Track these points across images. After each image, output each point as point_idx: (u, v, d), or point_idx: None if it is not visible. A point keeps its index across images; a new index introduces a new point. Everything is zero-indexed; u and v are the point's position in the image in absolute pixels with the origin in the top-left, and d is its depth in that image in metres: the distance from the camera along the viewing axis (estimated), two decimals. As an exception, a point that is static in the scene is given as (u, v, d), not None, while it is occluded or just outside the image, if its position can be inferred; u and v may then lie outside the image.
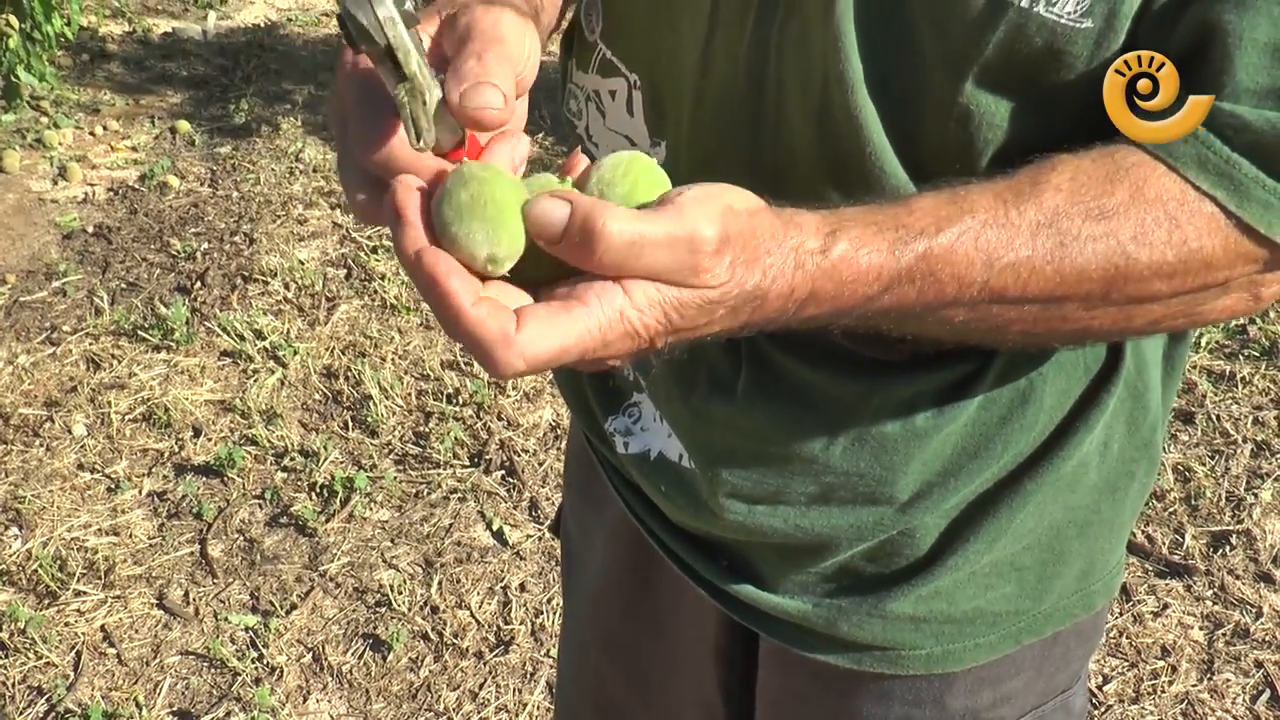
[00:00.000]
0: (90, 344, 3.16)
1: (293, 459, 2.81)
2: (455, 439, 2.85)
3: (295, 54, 4.79)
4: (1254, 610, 2.47)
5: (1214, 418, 2.94)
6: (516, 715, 2.28)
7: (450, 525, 2.66)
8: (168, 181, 3.86)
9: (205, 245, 3.57)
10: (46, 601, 2.46)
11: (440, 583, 2.52)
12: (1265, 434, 2.89)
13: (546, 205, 0.66)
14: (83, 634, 2.40)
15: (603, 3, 0.99)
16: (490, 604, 2.49)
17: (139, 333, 3.19)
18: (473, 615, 2.46)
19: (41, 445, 2.84)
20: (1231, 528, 2.64)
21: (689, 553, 1.07)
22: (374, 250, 3.55)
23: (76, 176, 3.87)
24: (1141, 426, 1.00)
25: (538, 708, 2.29)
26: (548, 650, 2.39)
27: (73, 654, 2.37)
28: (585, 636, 1.34)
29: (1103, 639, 2.40)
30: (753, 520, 0.99)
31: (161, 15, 5.06)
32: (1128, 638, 2.42)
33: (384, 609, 2.47)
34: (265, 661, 2.35)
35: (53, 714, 2.25)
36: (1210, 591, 2.51)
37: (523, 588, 2.52)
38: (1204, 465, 2.80)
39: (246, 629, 2.42)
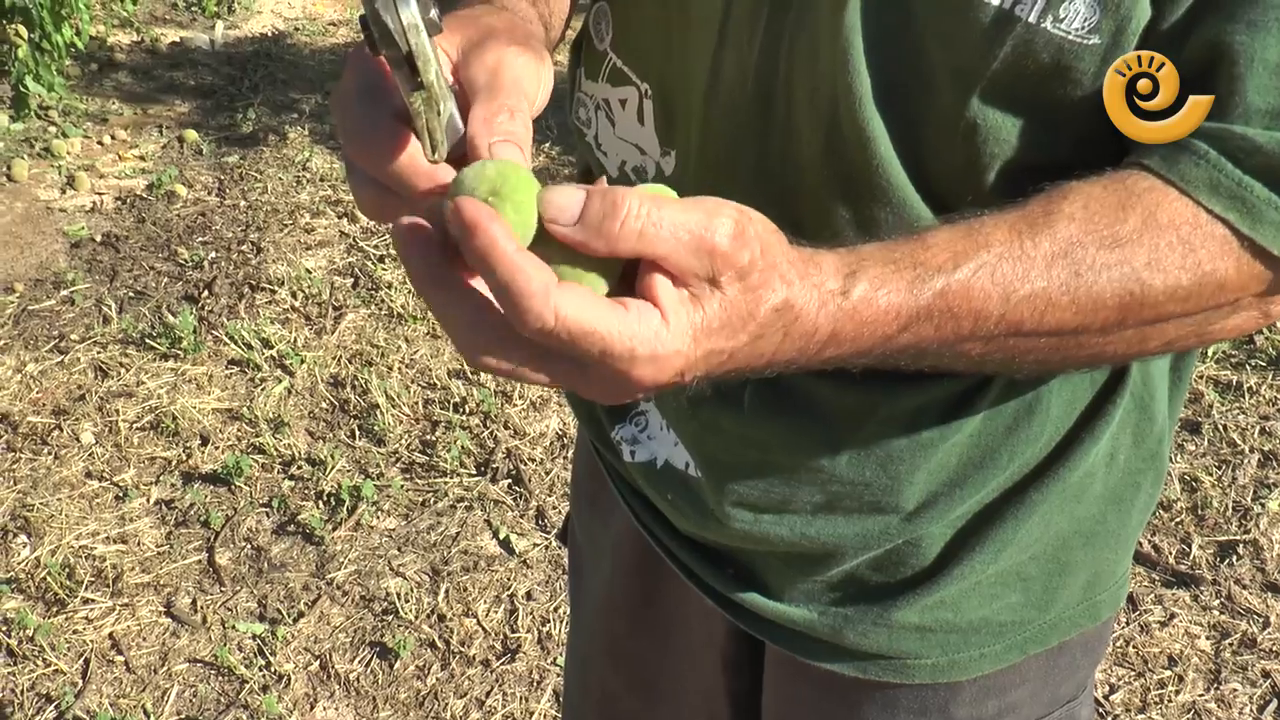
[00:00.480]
0: (98, 352, 3.17)
1: (300, 467, 2.82)
2: (462, 448, 2.86)
3: (302, 63, 4.80)
4: (1261, 620, 2.47)
5: (1221, 427, 2.94)
6: (523, 724, 2.29)
7: (457, 534, 2.67)
8: (175, 190, 3.88)
9: (213, 254, 3.58)
10: (55, 609, 2.47)
11: (447, 591, 2.52)
12: (1272, 444, 2.89)
13: (563, 189, 0.65)
14: (91, 642, 2.40)
15: (613, 12, 1.00)
16: (497, 612, 2.49)
17: (147, 341, 3.20)
18: (479, 623, 2.46)
19: (50, 453, 2.85)
20: (1238, 537, 2.64)
21: (695, 561, 1.08)
22: (381, 259, 3.56)
23: (84, 185, 3.89)
24: (1148, 438, 1.00)
25: (544, 716, 2.29)
26: (554, 658, 2.39)
27: (81, 661, 2.37)
28: (592, 645, 1.34)
29: (1109, 648, 2.40)
30: (759, 529, 0.99)
31: (169, 25, 5.08)
32: (1134, 647, 2.42)
33: (391, 617, 2.47)
34: (273, 669, 2.35)
35: (60, 722, 2.26)
36: (1217, 601, 2.51)
37: (529, 596, 2.52)
38: (1211, 475, 2.80)
39: (254, 637, 2.42)
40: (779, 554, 1.02)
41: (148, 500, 2.74)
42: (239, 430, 2.94)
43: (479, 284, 0.66)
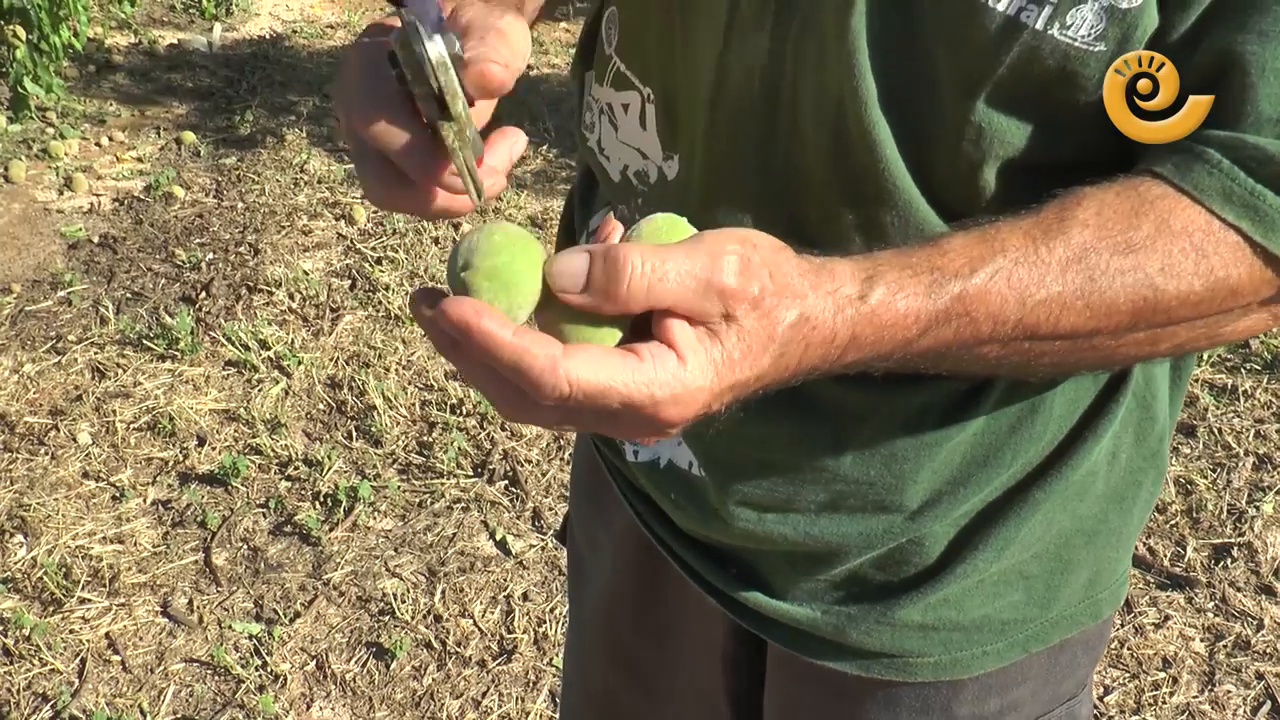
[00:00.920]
0: (95, 353, 3.17)
1: (297, 468, 2.82)
2: (459, 449, 2.86)
3: (300, 66, 4.80)
4: (1255, 622, 2.48)
5: (1216, 431, 2.95)
6: (520, 724, 2.29)
7: (454, 535, 2.67)
8: (173, 192, 3.88)
9: (210, 255, 3.58)
10: (51, 609, 2.47)
11: (443, 592, 2.53)
12: (1267, 447, 2.90)
13: (566, 257, 0.67)
14: (87, 641, 2.40)
15: (619, 17, 1.00)
16: (493, 613, 2.49)
17: (144, 342, 3.20)
18: (476, 624, 2.47)
19: (46, 454, 2.85)
20: (1233, 540, 2.65)
21: (698, 560, 1.08)
22: (378, 261, 3.56)
23: (82, 187, 3.89)
24: (1149, 437, 1.01)
25: (540, 716, 2.30)
26: (550, 659, 2.39)
27: (77, 661, 2.37)
28: (592, 643, 1.34)
29: (1105, 650, 2.41)
30: (763, 528, 1.00)
31: (167, 27, 5.08)
32: (1129, 649, 2.43)
33: (387, 617, 2.47)
34: (269, 669, 2.35)
35: (58, 721, 2.26)
36: (1211, 603, 2.52)
37: (525, 597, 2.53)
38: (1206, 478, 2.81)
39: (250, 637, 2.42)
40: (782, 553, 1.02)
41: (144, 500, 2.74)
42: (236, 431, 2.94)
43: None
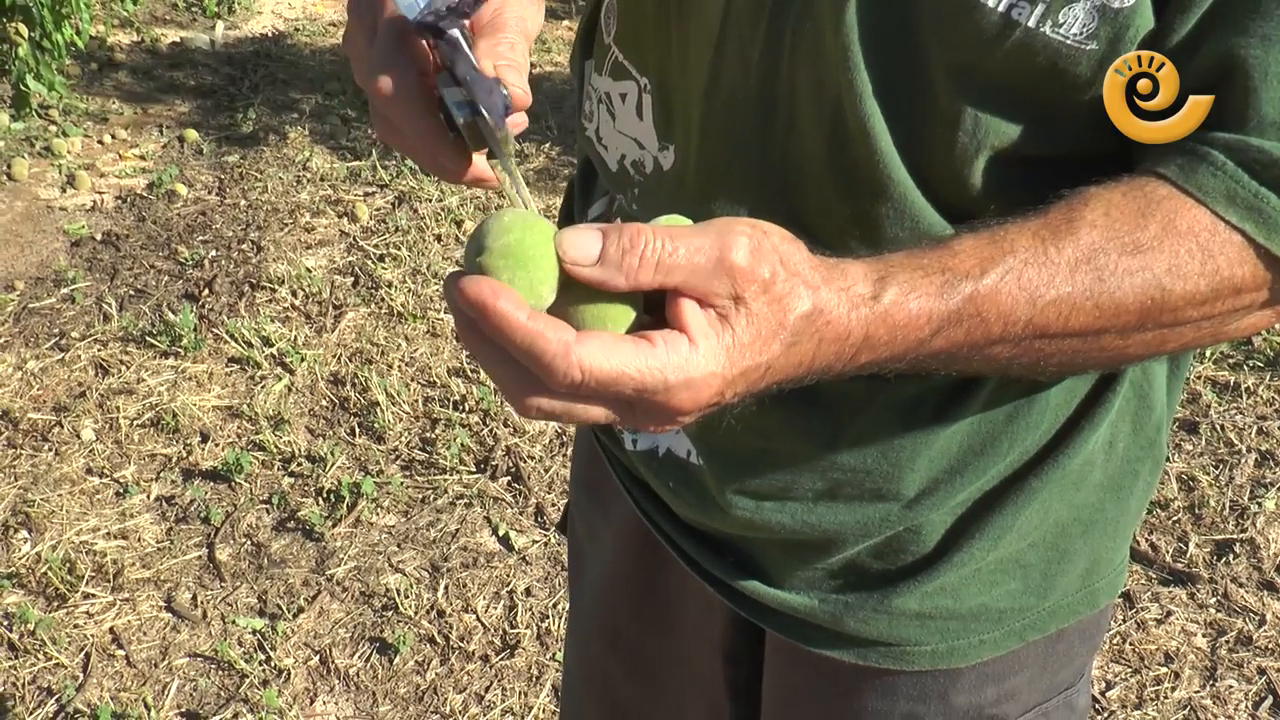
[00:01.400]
0: (99, 350, 3.18)
1: (300, 464, 2.83)
2: (461, 445, 2.87)
3: (303, 63, 4.81)
4: (1257, 618, 2.48)
5: (1218, 428, 2.95)
6: (522, 718, 2.29)
7: (456, 530, 2.67)
8: (176, 190, 3.88)
9: (213, 253, 3.59)
10: (56, 604, 2.47)
11: (446, 587, 2.53)
12: (1269, 444, 2.90)
13: (580, 231, 0.68)
14: (92, 636, 2.41)
15: (618, 7, 1.01)
16: (496, 608, 2.50)
17: (147, 339, 3.20)
18: (479, 619, 2.47)
19: (50, 450, 2.86)
20: (1235, 536, 2.65)
21: (696, 549, 1.08)
22: (381, 258, 3.57)
23: (85, 184, 3.89)
24: (1146, 426, 1.01)
25: (543, 710, 2.30)
26: (553, 654, 2.40)
27: (82, 655, 2.38)
28: (592, 633, 1.35)
29: (1106, 645, 2.41)
30: (760, 516, 1.00)
31: (170, 25, 5.09)
32: (1131, 644, 2.43)
33: (390, 613, 2.48)
34: (272, 664, 2.36)
35: (62, 714, 2.27)
36: (1214, 599, 2.52)
37: (528, 592, 2.53)
38: (1208, 474, 2.81)
39: (254, 632, 2.43)
40: (780, 541, 1.03)
41: (148, 496, 2.75)
42: (239, 427, 2.94)
43: None
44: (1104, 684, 2.35)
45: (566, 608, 2.43)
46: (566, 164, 4.12)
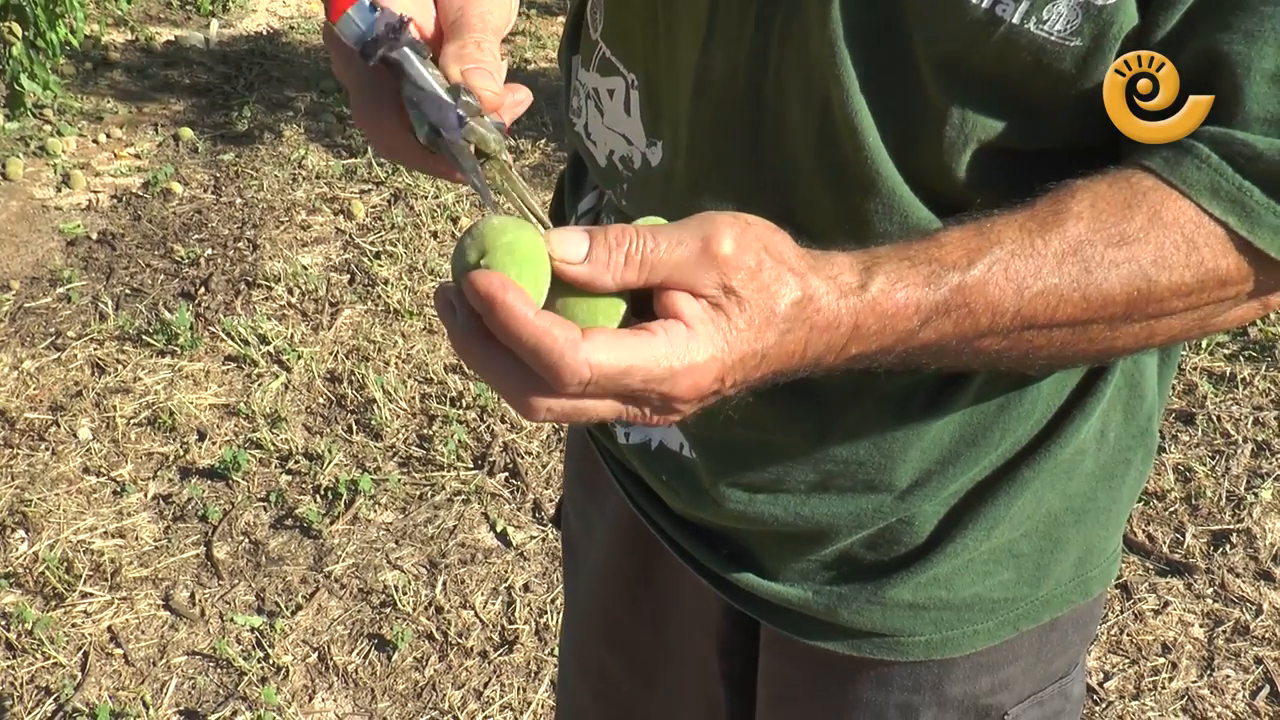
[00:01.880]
0: (95, 349, 3.18)
1: (297, 462, 2.83)
2: (459, 441, 2.87)
3: (297, 61, 4.81)
4: (1254, 607, 2.48)
5: (1214, 418, 2.95)
6: (520, 714, 2.30)
7: (454, 527, 2.68)
8: (171, 188, 3.88)
9: (209, 251, 3.59)
10: (53, 603, 2.48)
11: (444, 583, 2.53)
12: (1265, 434, 2.91)
13: (568, 232, 0.69)
14: (90, 635, 2.41)
15: (605, 2, 1.00)
16: (494, 604, 2.50)
17: (143, 338, 3.20)
18: (477, 615, 2.47)
19: (47, 449, 2.86)
20: (1232, 526, 2.66)
21: (690, 542, 1.09)
22: (377, 255, 3.57)
23: (80, 184, 3.89)
24: (1138, 414, 1.01)
25: (542, 705, 2.31)
26: (551, 649, 2.40)
27: (80, 654, 2.38)
28: (587, 626, 1.35)
29: (1104, 636, 2.41)
30: (753, 509, 1.00)
31: (164, 24, 5.09)
32: (1129, 635, 2.43)
33: (389, 609, 2.48)
34: (271, 661, 2.36)
35: (60, 713, 2.27)
36: (1210, 589, 2.53)
37: (526, 588, 2.53)
38: (1204, 465, 2.82)
39: (252, 629, 2.43)
40: (773, 534, 1.03)
41: (145, 495, 2.75)
42: (236, 425, 2.95)
43: None
44: (1101, 675, 2.36)
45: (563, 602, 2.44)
46: (561, 160, 4.11)
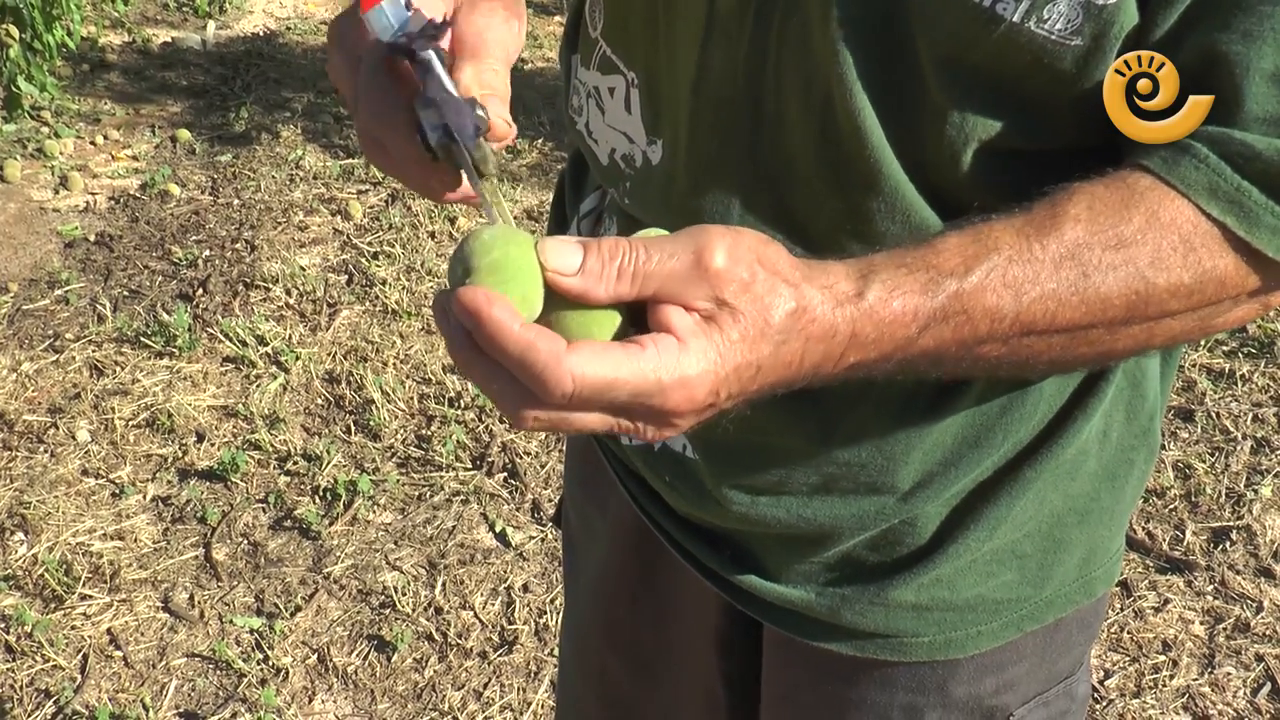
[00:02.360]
0: (93, 351, 3.17)
1: (296, 463, 2.82)
2: (457, 442, 2.87)
3: (294, 62, 4.80)
4: (1254, 605, 2.48)
5: (1214, 415, 2.95)
6: (520, 714, 2.29)
7: (453, 527, 2.67)
8: (169, 190, 3.88)
9: (207, 252, 3.59)
10: (53, 605, 2.47)
11: (444, 584, 2.53)
12: (1265, 431, 2.91)
13: (561, 243, 0.69)
14: (89, 637, 2.41)
15: (604, 1, 1.00)
16: (494, 604, 2.50)
17: (141, 339, 3.20)
18: (476, 616, 2.47)
19: (46, 451, 2.85)
20: (1232, 523, 2.66)
21: (692, 542, 1.08)
22: (375, 256, 3.57)
23: (78, 186, 3.89)
24: (1140, 414, 1.01)
25: (542, 706, 2.30)
26: (551, 650, 2.40)
27: (79, 657, 2.38)
28: (588, 626, 1.35)
29: (1104, 634, 2.41)
30: (756, 510, 1.00)
31: (161, 25, 5.08)
32: (1129, 633, 2.43)
33: (388, 610, 2.48)
34: (270, 663, 2.36)
35: (60, 716, 2.26)
36: (1211, 586, 2.53)
37: (526, 588, 2.53)
38: (1204, 462, 2.82)
39: (251, 631, 2.43)
40: (776, 535, 1.03)
41: (144, 497, 2.74)
42: (235, 427, 2.94)
43: None
44: (1102, 673, 2.36)
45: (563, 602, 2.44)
46: (559, 159, 4.11)
